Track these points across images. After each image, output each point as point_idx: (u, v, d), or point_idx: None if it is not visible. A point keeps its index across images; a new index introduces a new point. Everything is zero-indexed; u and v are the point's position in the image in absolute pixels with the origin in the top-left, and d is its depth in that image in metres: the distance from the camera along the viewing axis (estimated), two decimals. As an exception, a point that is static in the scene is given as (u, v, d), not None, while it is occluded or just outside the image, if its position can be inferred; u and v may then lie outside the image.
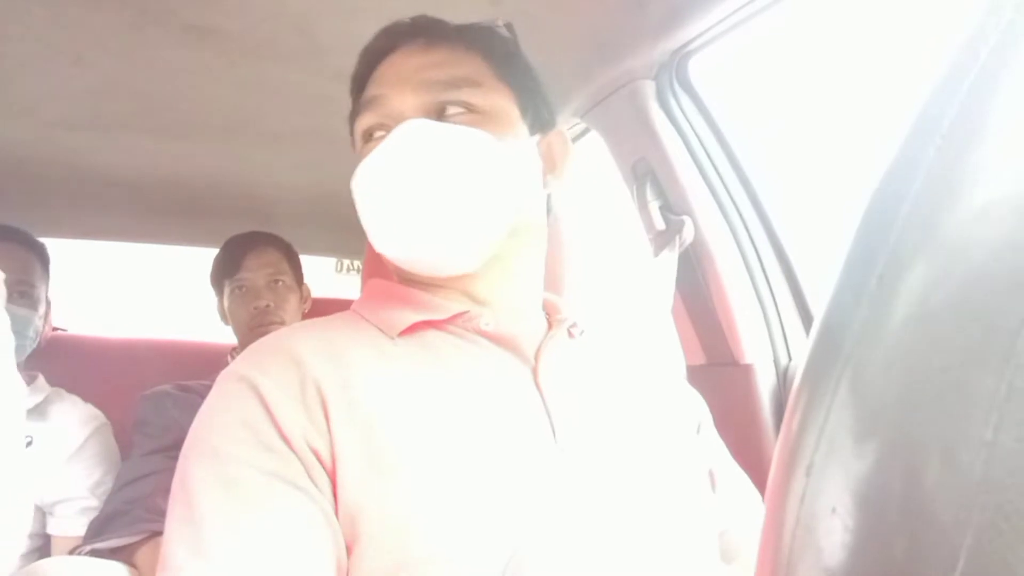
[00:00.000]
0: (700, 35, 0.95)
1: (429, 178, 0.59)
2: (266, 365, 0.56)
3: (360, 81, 0.69)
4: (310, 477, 0.51)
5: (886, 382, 0.18)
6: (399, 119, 0.62)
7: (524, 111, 0.67)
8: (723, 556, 0.67)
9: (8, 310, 1.29)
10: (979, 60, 0.18)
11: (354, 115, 0.68)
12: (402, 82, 0.64)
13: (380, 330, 0.62)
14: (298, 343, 0.58)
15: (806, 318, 1.09)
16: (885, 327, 0.18)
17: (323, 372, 0.55)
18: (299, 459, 0.51)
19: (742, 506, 0.72)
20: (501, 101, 0.65)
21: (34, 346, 1.37)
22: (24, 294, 1.35)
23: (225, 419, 0.53)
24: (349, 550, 0.50)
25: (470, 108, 0.63)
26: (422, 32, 0.67)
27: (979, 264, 0.17)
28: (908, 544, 0.17)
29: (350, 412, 0.53)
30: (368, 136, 0.65)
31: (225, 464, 0.51)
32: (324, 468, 0.52)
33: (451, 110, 0.63)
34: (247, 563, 0.47)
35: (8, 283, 1.31)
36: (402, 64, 0.66)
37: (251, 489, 0.49)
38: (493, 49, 0.68)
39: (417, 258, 0.62)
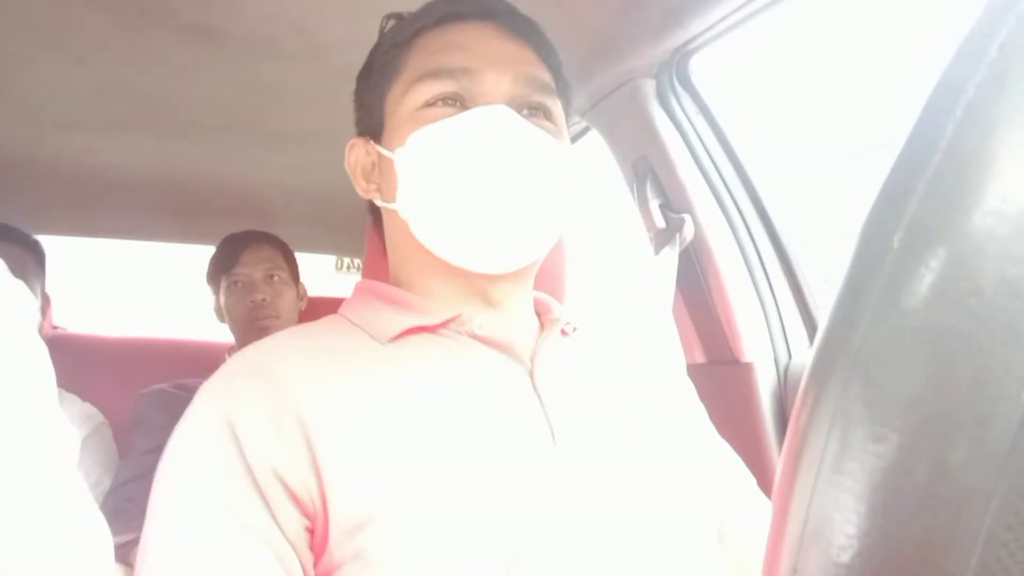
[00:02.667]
0: (700, 34, 0.95)
1: (525, 174, 0.59)
2: (240, 388, 0.54)
3: (417, 26, 0.65)
4: (270, 512, 0.50)
5: (904, 371, 0.18)
6: (483, 99, 0.60)
7: (567, 125, 0.68)
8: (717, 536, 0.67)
9: None
10: (987, 57, 0.18)
11: (416, 70, 0.63)
12: (499, 64, 0.62)
13: (370, 336, 0.61)
14: (280, 361, 0.56)
15: (807, 316, 1.09)
16: (900, 315, 0.18)
17: (306, 393, 0.53)
18: (259, 493, 0.50)
19: (731, 485, 0.71)
20: (562, 114, 0.67)
21: None
22: None
23: (192, 450, 0.53)
24: (342, 566, 0.50)
25: (548, 116, 0.64)
26: (517, 20, 0.66)
27: (988, 260, 0.17)
28: (925, 531, 0.17)
29: (338, 429, 0.52)
30: (434, 102, 0.61)
31: (180, 492, 0.51)
32: (295, 500, 0.51)
33: (534, 112, 0.63)
34: None
35: None
36: (498, 44, 0.63)
37: (197, 523, 0.49)
38: (557, 62, 0.68)
39: (494, 247, 0.60)
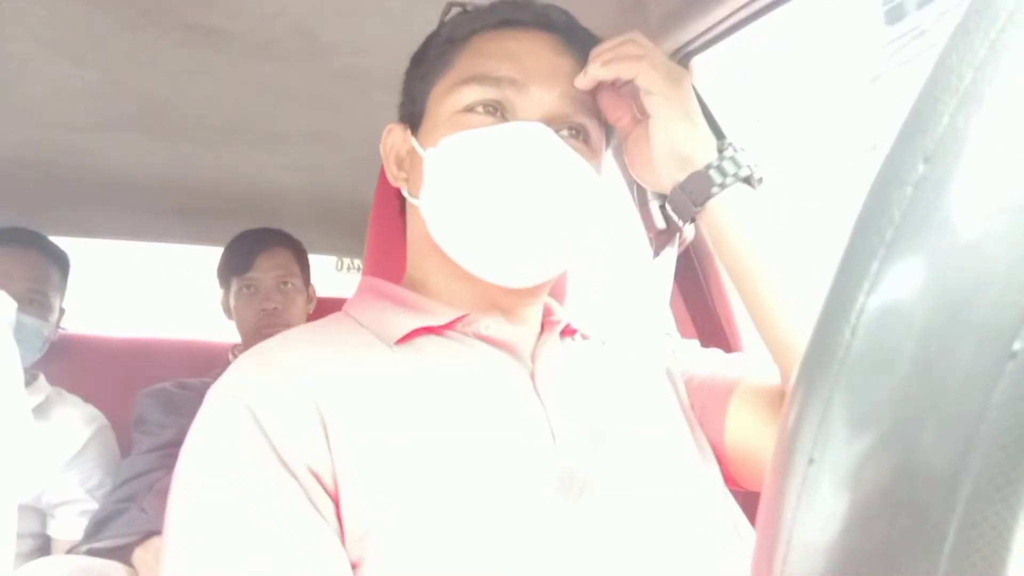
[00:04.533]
0: (700, 35, 0.95)
1: (550, 194, 0.58)
2: (259, 383, 0.53)
3: (475, 26, 0.64)
4: (311, 500, 0.49)
5: (885, 370, 0.18)
6: (523, 113, 0.60)
7: (607, 144, 0.68)
8: (721, 398, 0.68)
9: (17, 317, 1.29)
10: (969, 69, 0.18)
11: (464, 72, 0.62)
12: (547, 79, 0.61)
13: (377, 337, 0.61)
14: (295, 360, 0.56)
15: (806, 317, 1.09)
16: (882, 321, 0.18)
17: (321, 392, 0.53)
18: (299, 482, 0.49)
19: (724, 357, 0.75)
20: (602, 135, 0.66)
21: (40, 355, 1.36)
22: (34, 302, 1.35)
23: (215, 437, 0.52)
24: (355, 568, 0.50)
25: (587, 139, 0.63)
26: (576, 35, 0.65)
27: (976, 262, 0.17)
28: (895, 537, 0.17)
29: (349, 432, 0.52)
30: (474, 107, 0.61)
31: (212, 481, 0.50)
32: (326, 490, 0.50)
33: (573, 134, 0.62)
34: None
35: (22, 290, 1.32)
36: (551, 59, 0.62)
37: (251, 518, 0.48)
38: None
39: (508, 262, 0.60)
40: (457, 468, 0.53)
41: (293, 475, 0.49)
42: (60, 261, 1.44)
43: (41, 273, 1.38)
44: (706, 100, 1.08)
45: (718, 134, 0.65)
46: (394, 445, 0.53)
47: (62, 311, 1.45)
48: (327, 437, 0.51)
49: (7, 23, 0.95)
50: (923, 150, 0.18)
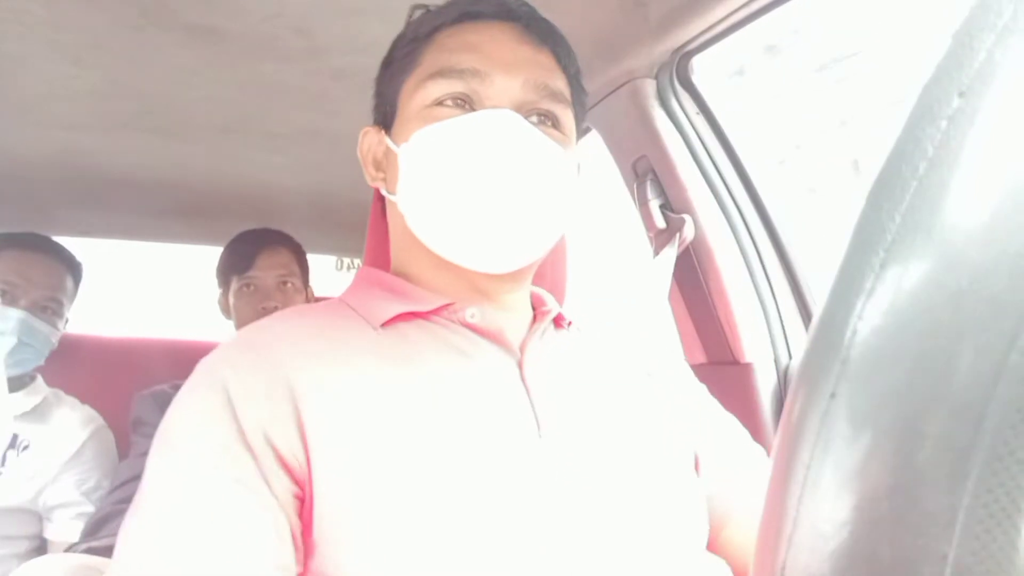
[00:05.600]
0: (700, 34, 0.95)
1: (524, 179, 0.59)
2: (236, 360, 0.56)
3: (436, 23, 0.65)
4: (263, 476, 0.50)
5: (887, 366, 0.18)
6: (491, 102, 0.61)
7: (577, 131, 0.68)
8: (716, 522, 0.67)
9: (31, 322, 1.29)
10: (976, 59, 0.18)
11: (429, 68, 0.63)
12: (510, 68, 0.62)
13: (364, 320, 0.62)
14: (275, 338, 0.58)
15: (806, 317, 1.09)
16: (884, 320, 0.18)
17: (298, 370, 0.54)
18: (253, 457, 0.51)
19: (734, 469, 0.71)
20: (572, 123, 0.67)
21: (43, 361, 1.36)
22: (48, 309, 1.34)
23: (188, 413, 0.54)
24: (318, 546, 0.50)
25: (556, 125, 0.64)
26: (537, 24, 0.66)
27: (978, 257, 0.17)
28: (895, 538, 0.17)
29: (325, 410, 0.53)
30: (442, 100, 0.62)
31: (179, 458, 0.51)
32: (285, 466, 0.51)
33: (542, 120, 0.63)
34: (182, 561, 0.47)
35: (39, 296, 1.32)
36: (514, 48, 0.63)
37: (199, 487, 0.50)
38: (575, 69, 0.68)
39: (487, 248, 0.61)
40: (436, 451, 0.53)
41: (249, 447, 0.51)
42: (75, 270, 1.44)
43: (58, 280, 1.38)
44: (706, 99, 1.09)
45: None
46: (371, 425, 0.53)
47: (66, 320, 1.45)
48: (299, 416, 0.52)
49: (7, 23, 0.95)
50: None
